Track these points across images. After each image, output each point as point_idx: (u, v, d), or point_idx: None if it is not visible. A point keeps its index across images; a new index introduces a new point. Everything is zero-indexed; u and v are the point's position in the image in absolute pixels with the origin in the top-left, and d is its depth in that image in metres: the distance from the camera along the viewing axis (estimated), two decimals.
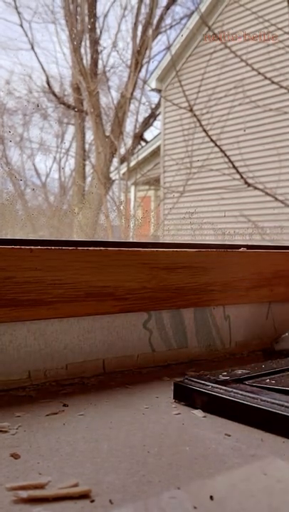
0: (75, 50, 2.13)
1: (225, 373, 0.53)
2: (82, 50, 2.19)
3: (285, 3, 2.44)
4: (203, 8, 2.66)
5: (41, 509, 0.30)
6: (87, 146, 2.31)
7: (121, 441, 0.40)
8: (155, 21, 2.47)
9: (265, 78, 2.60)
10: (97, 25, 2.20)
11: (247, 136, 2.71)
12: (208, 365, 0.66)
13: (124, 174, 2.48)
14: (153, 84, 2.78)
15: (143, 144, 2.83)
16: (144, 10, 2.45)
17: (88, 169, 2.35)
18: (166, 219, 2.36)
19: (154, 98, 2.90)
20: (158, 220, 2.20)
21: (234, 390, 0.47)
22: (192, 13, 2.66)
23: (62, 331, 0.57)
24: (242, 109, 2.71)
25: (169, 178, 2.82)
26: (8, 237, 0.59)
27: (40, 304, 0.53)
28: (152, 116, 2.89)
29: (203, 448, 0.39)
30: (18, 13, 1.80)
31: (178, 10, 2.74)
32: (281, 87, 2.56)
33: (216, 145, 2.65)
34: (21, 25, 1.85)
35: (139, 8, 2.42)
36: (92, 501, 0.30)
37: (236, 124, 2.74)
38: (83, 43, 2.18)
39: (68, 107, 2.24)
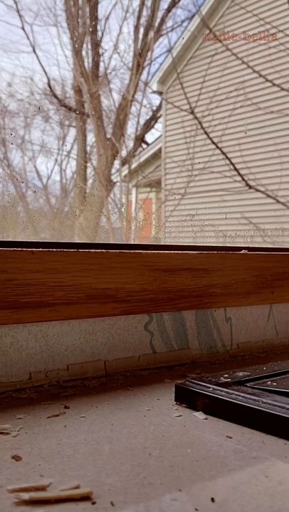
0: (77, 52, 2.14)
1: (226, 375, 0.53)
2: (84, 53, 2.19)
3: (287, 5, 2.45)
4: (204, 10, 2.67)
5: (43, 511, 0.30)
6: (88, 149, 2.32)
7: (122, 443, 0.40)
8: (156, 24, 2.47)
9: (267, 80, 2.60)
10: (98, 27, 2.21)
11: (248, 139, 2.71)
12: (209, 367, 0.66)
13: (125, 176, 2.48)
14: (154, 86, 2.79)
15: (144, 146, 2.83)
16: (145, 12, 2.45)
17: (89, 171, 2.35)
18: (167, 221, 2.36)
19: (156, 100, 2.91)
20: (159, 222, 2.20)
21: (235, 392, 0.47)
22: (193, 15, 2.67)
23: (63, 333, 0.57)
24: (243, 111, 2.71)
25: (171, 181, 2.82)
26: (10, 239, 0.59)
27: (42, 306, 0.53)
28: (153, 119, 2.89)
29: (204, 450, 0.39)
30: (20, 16, 1.80)
31: (179, 13, 2.75)
32: (282, 89, 2.56)
33: (218, 147, 2.66)
34: (23, 28, 1.85)
35: (140, 11, 2.43)
36: (94, 503, 0.31)
37: (237, 127, 2.74)
38: (85, 46, 2.19)
39: (70, 109, 2.24)
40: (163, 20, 2.54)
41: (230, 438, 0.41)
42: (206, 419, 0.46)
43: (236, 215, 2.57)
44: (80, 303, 0.56)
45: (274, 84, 2.57)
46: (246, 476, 0.34)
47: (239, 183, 2.61)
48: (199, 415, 0.47)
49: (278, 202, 2.52)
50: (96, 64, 2.21)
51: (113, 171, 2.41)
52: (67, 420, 0.45)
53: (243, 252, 0.74)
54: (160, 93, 2.84)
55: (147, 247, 0.67)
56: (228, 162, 2.64)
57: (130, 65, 2.37)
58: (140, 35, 2.41)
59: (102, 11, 2.21)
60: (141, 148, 2.75)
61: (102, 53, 2.25)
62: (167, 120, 2.88)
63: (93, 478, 0.34)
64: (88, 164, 2.32)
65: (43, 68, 1.99)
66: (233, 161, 2.63)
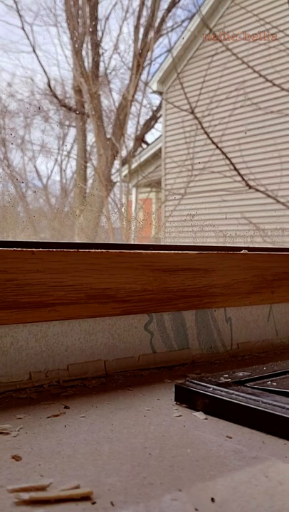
0: (77, 52, 2.14)
1: (226, 375, 0.53)
2: (84, 53, 2.19)
3: (287, 5, 2.45)
4: (204, 10, 2.67)
5: (43, 511, 0.30)
6: (88, 149, 2.32)
7: (122, 443, 0.40)
8: (156, 24, 2.47)
9: (267, 80, 2.60)
10: (98, 27, 2.21)
11: (248, 139, 2.71)
12: (209, 367, 0.66)
13: (125, 176, 2.49)
14: (154, 86, 2.79)
15: (144, 146, 2.83)
16: (145, 12, 2.45)
17: (90, 171, 2.35)
18: (167, 221, 2.36)
19: (156, 100, 2.91)
20: (159, 222, 2.20)
21: (235, 392, 0.47)
22: (193, 15, 2.67)
23: (63, 333, 0.57)
24: (243, 111, 2.71)
25: (171, 181, 2.83)
26: (10, 239, 0.59)
27: (42, 306, 0.53)
28: (154, 119, 2.89)
29: (204, 450, 0.39)
30: (20, 16, 1.81)
31: (179, 13, 2.75)
32: (282, 89, 2.56)
33: (218, 147, 2.66)
34: (23, 28, 1.86)
35: (140, 11, 2.43)
36: (94, 503, 0.31)
37: (237, 127, 2.74)
38: (85, 46, 2.19)
39: (70, 109, 2.25)
40: (163, 20, 2.55)
41: (230, 438, 0.41)
42: (206, 419, 0.46)
43: (236, 215, 2.57)
44: (80, 303, 0.56)
45: (274, 84, 2.58)
46: (246, 476, 0.34)
47: (239, 183, 2.62)
48: (199, 415, 0.47)
49: (278, 202, 2.52)
50: (96, 64, 2.21)
51: (113, 171, 2.42)
52: (67, 420, 0.45)
53: (243, 252, 0.74)
54: (160, 93, 2.85)
55: (147, 247, 0.67)
56: (228, 162, 2.64)
57: (130, 65, 2.37)
58: (140, 35, 2.42)
59: (102, 11, 2.22)
60: (141, 148, 2.76)
61: (102, 53, 2.25)
62: (167, 120, 2.88)
63: (93, 478, 0.34)
64: (88, 164, 2.32)
65: (43, 68, 1.99)
66: (233, 161, 2.63)
